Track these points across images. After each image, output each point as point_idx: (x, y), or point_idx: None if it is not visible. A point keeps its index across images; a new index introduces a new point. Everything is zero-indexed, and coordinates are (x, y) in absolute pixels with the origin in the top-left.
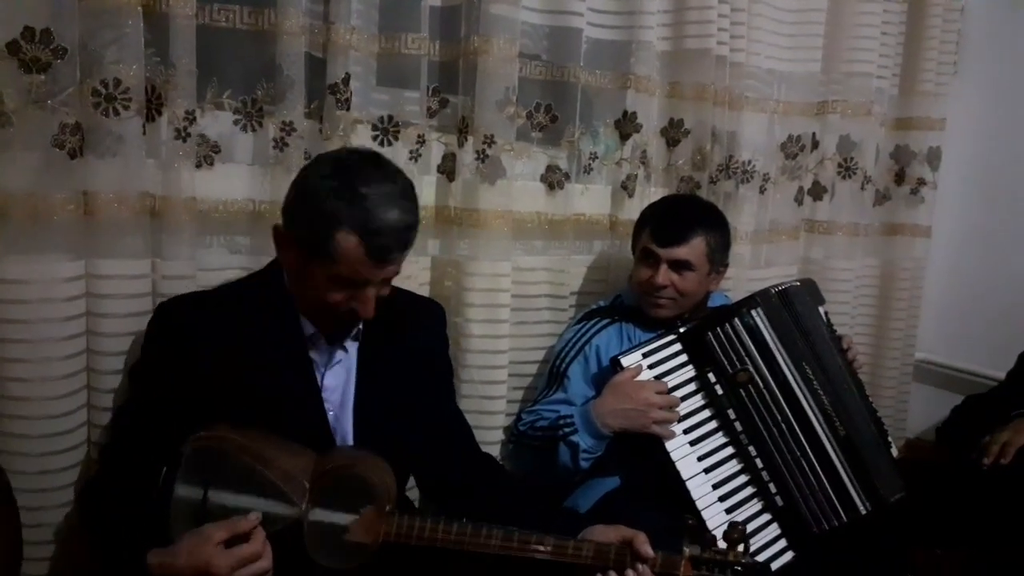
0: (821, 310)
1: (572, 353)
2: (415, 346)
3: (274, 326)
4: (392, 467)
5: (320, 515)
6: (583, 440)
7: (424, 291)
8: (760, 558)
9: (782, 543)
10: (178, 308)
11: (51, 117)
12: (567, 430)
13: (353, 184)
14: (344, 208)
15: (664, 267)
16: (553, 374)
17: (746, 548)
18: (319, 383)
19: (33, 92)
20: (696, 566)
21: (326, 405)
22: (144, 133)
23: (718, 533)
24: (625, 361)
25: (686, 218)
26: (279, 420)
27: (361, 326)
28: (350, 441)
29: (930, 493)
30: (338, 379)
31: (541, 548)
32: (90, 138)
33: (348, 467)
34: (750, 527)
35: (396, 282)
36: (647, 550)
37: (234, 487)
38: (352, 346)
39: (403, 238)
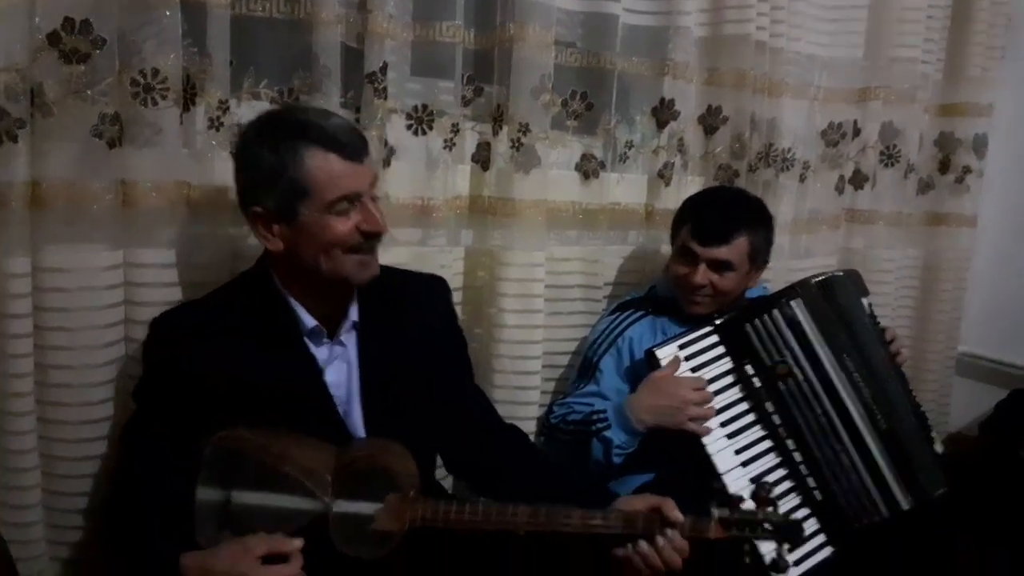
0: (864, 301)
1: (605, 345)
2: (417, 326)
3: (271, 326)
4: (414, 453)
5: (345, 507)
6: (616, 436)
7: (458, 281)
8: (798, 553)
9: (821, 537)
10: (172, 321)
11: (91, 107)
12: (600, 425)
13: (286, 121)
14: (295, 140)
15: (703, 267)
16: (585, 366)
17: (775, 507)
18: (323, 379)
19: (73, 82)
20: (727, 527)
21: (335, 399)
22: (181, 123)
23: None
24: (660, 353)
25: (730, 216)
26: (289, 422)
27: (356, 317)
28: (362, 435)
29: (974, 488)
30: (340, 374)
31: (569, 522)
32: (128, 128)
33: (369, 457)
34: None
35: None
36: (676, 514)
37: (256, 485)
38: (350, 339)
39: (358, 134)
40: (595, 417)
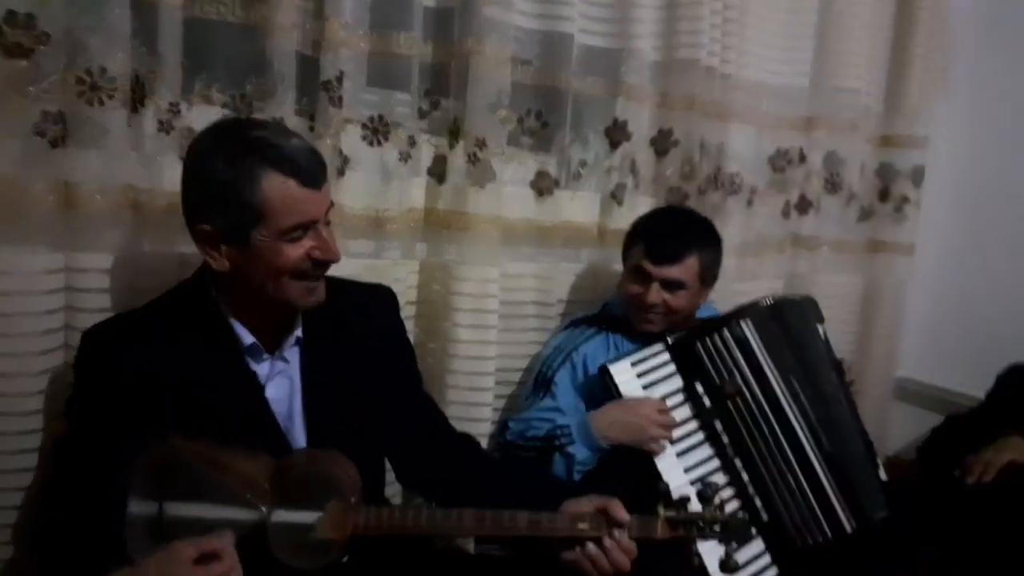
0: (820, 328)
1: (560, 360)
2: (363, 338)
3: (208, 341)
4: (359, 467)
5: (284, 516)
6: (579, 451)
7: (412, 295)
8: (744, 573)
9: (766, 558)
10: (105, 333)
11: (33, 105)
12: (564, 440)
13: (243, 136)
14: (252, 160)
15: (656, 285)
16: (539, 381)
17: (721, 506)
18: (264, 395)
19: (14, 78)
20: (674, 527)
21: (275, 415)
22: (129, 125)
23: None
24: (613, 369)
25: (681, 236)
26: (229, 438)
27: (300, 332)
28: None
29: (912, 511)
30: (281, 390)
31: (515, 525)
32: (73, 127)
33: (308, 464)
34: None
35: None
36: (622, 514)
37: (190, 496)
38: (293, 354)
39: (318, 158)
40: (558, 432)
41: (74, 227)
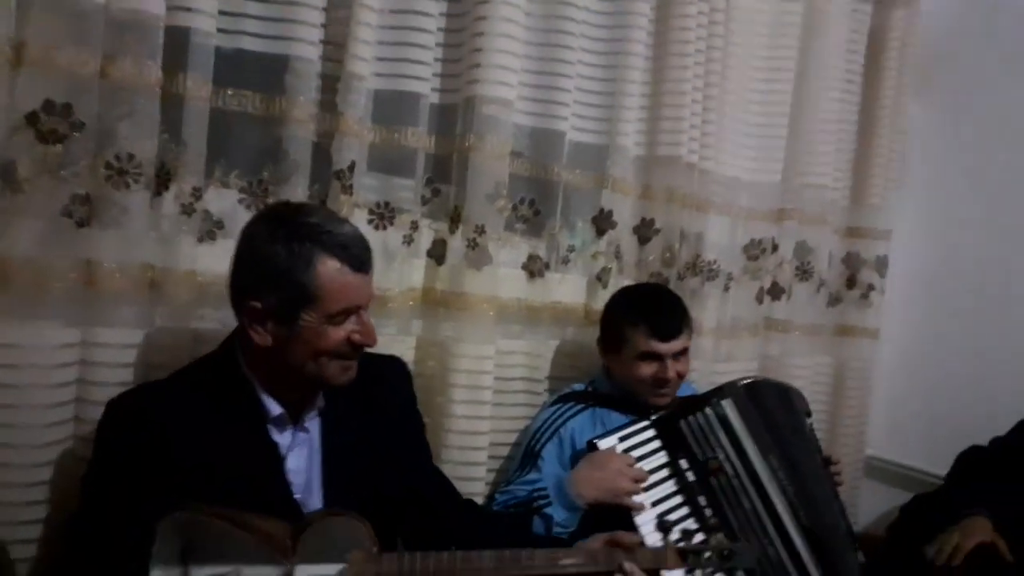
0: (807, 420)
1: (547, 434)
2: (380, 408)
3: (234, 411)
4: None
5: (308, 570)
6: (557, 513)
7: None
8: None
9: None
10: (130, 402)
11: (63, 187)
12: (541, 502)
13: (300, 223)
14: (309, 244)
15: (670, 361)
16: (527, 455)
17: (726, 535)
18: (284, 466)
19: (47, 162)
20: (683, 557)
21: (293, 485)
22: (151, 207)
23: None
24: (601, 444)
25: (676, 309)
26: (244, 505)
27: (322, 402)
28: None
29: None
30: (301, 460)
31: (533, 563)
32: (98, 209)
33: (325, 519)
34: None
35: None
36: (632, 538)
37: (214, 557)
38: (313, 424)
39: (367, 245)
40: (536, 494)
41: (93, 303)
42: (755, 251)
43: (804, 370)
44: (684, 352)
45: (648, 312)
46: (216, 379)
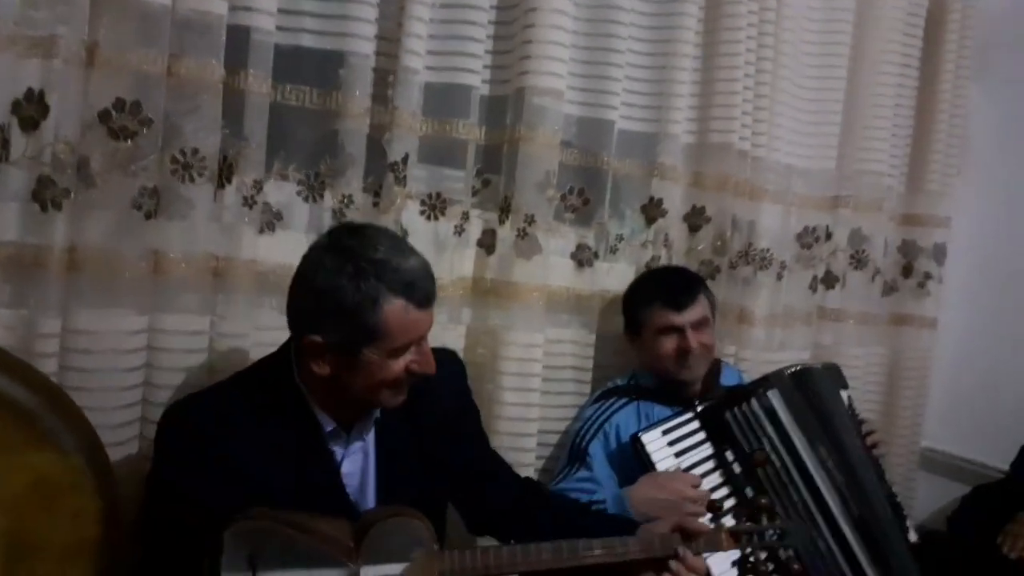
0: (844, 394)
1: (592, 431)
2: (433, 405)
3: (290, 422)
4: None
5: (373, 571)
6: None
7: None
8: None
9: None
10: (186, 411)
11: (132, 181)
12: None
13: (366, 257)
14: (376, 283)
15: (690, 331)
16: (574, 452)
17: (778, 515)
18: (340, 472)
19: (118, 157)
20: (737, 539)
21: (348, 489)
22: (214, 199)
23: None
24: (645, 438)
25: (688, 280)
26: (300, 509)
27: (378, 413)
28: None
29: None
30: (355, 464)
31: (592, 553)
32: (164, 201)
33: (386, 519)
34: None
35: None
36: (697, 526)
37: (281, 563)
38: (368, 431)
39: (431, 274)
40: (594, 507)
41: (160, 291)
42: (808, 239)
43: (858, 360)
44: (705, 324)
45: (660, 287)
46: (271, 391)
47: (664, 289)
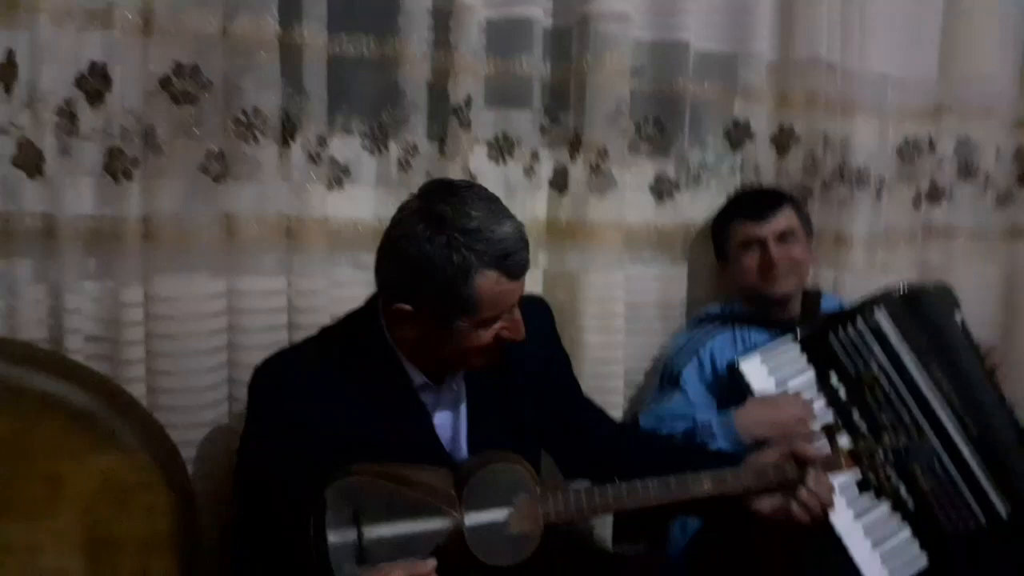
0: (957, 314)
1: (686, 357)
2: (524, 351)
3: (381, 376)
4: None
5: (477, 518)
6: (722, 447)
7: None
8: (893, 563)
9: (915, 548)
10: (276, 369)
11: (198, 145)
12: (705, 437)
13: (458, 226)
14: (468, 255)
15: (772, 243)
16: (665, 378)
17: (897, 433)
18: (432, 424)
19: (182, 122)
20: (856, 459)
21: (441, 440)
22: (279, 158)
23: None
24: (744, 366)
25: (767, 193)
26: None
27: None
28: None
29: None
30: (447, 416)
31: (702, 486)
32: (232, 164)
33: (485, 465)
34: (877, 535)
35: None
36: (811, 451)
37: (384, 516)
38: (459, 382)
39: (526, 241)
40: (700, 429)
41: (234, 254)
42: (909, 152)
43: (971, 279)
44: (791, 236)
45: (741, 202)
46: (361, 345)
47: (745, 203)
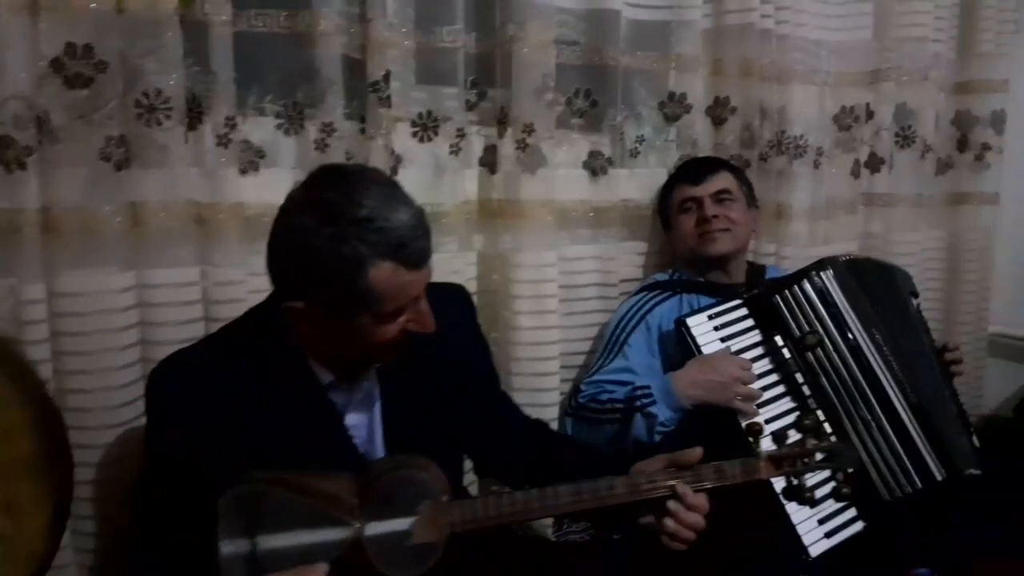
0: (914, 301)
1: (633, 323)
2: (439, 342)
3: (285, 375)
4: (441, 468)
5: (378, 527)
6: (661, 412)
7: (472, 286)
8: (828, 526)
9: (851, 512)
10: (173, 370)
11: (96, 131)
12: (645, 400)
13: (347, 215)
14: (359, 246)
15: (708, 201)
16: (611, 343)
17: (823, 434)
18: (344, 425)
19: (78, 107)
20: (778, 464)
21: (355, 442)
22: (186, 141)
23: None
24: (691, 321)
25: (707, 159)
26: (309, 468)
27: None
28: None
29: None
30: (361, 415)
31: (614, 492)
32: (135, 149)
33: (391, 471)
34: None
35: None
36: (689, 457)
37: (280, 526)
38: (371, 378)
39: (425, 228)
40: (639, 392)
41: (143, 245)
42: (847, 120)
43: (913, 246)
44: (728, 196)
45: (678, 169)
46: (262, 343)
47: (685, 168)
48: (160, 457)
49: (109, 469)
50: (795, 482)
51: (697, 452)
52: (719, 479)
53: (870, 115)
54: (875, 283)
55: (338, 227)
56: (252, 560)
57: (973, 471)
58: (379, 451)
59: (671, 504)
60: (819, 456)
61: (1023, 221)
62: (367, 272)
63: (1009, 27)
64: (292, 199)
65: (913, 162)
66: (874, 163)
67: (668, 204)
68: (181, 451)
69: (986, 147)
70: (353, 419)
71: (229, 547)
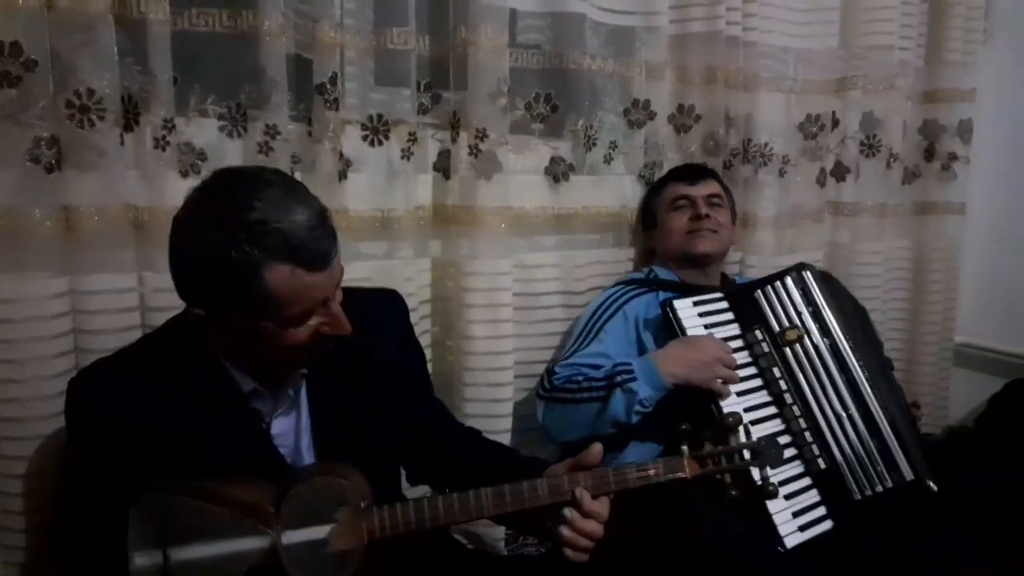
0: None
1: (611, 311)
2: (370, 350)
3: (205, 384)
4: (372, 478)
5: (294, 536)
6: (642, 389)
7: (426, 293)
8: (798, 522)
9: (821, 510)
10: (90, 380)
11: (25, 132)
12: (625, 377)
13: (238, 219)
14: (252, 250)
15: (702, 201)
16: (587, 330)
17: (747, 432)
18: (268, 433)
19: (5, 107)
20: (701, 463)
21: (281, 451)
22: (122, 144)
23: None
24: (677, 304)
25: (702, 166)
26: (233, 478)
27: (304, 368)
28: None
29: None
30: (287, 424)
31: (538, 494)
32: (67, 151)
33: (310, 479)
34: (788, 489)
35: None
36: (589, 458)
37: (193, 537)
38: (298, 386)
39: (325, 231)
40: (619, 369)
41: (76, 250)
42: (813, 128)
43: (879, 255)
44: (719, 201)
45: (675, 169)
46: (182, 352)
47: (679, 171)
48: (82, 467)
49: (41, 480)
50: (720, 478)
51: (596, 450)
52: (642, 480)
53: (836, 123)
54: (844, 297)
55: (228, 231)
56: (165, 571)
57: (933, 485)
58: (307, 459)
59: (566, 512)
60: (743, 454)
61: (989, 231)
62: (263, 276)
63: (977, 36)
64: (186, 206)
65: (879, 171)
66: (840, 172)
67: (656, 202)
68: (101, 461)
69: (953, 157)
70: (279, 426)
71: (141, 558)
